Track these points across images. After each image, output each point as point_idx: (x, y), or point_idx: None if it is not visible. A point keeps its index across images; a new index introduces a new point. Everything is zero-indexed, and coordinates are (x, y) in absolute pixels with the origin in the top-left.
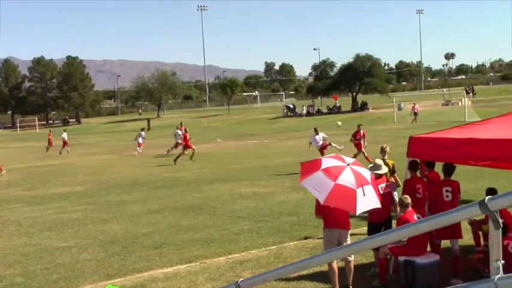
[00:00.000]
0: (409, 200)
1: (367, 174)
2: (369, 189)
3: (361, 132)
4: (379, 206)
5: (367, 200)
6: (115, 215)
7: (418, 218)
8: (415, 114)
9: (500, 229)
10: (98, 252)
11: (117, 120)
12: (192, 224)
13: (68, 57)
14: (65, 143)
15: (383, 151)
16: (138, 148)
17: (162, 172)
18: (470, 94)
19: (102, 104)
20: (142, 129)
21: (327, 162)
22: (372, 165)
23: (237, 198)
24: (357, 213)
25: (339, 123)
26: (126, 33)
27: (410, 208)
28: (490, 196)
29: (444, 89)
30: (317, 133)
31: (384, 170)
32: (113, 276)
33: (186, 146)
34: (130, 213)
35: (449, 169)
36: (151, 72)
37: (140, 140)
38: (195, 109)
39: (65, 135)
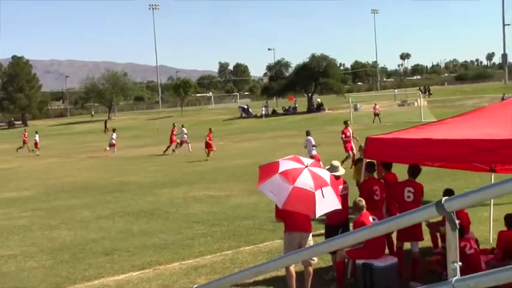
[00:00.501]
0: (363, 202)
1: (326, 175)
2: (328, 190)
3: (350, 129)
4: (340, 207)
5: (327, 202)
6: (63, 220)
7: (374, 220)
8: (376, 114)
9: (457, 230)
10: (46, 259)
11: (66, 122)
12: (144, 229)
13: (14, 57)
14: (36, 145)
15: (362, 149)
16: (110, 148)
17: (113, 176)
18: (426, 94)
19: (50, 106)
20: (114, 130)
21: (285, 164)
22: (328, 166)
23: (191, 202)
24: (317, 216)
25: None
26: (74, 32)
27: (365, 210)
28: (446, 197)
29: (396, 90)
30: (308, 135)
31: (341, 171)
32: (61, 285)
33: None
34: (80, 218)
35: (414, 170)
36: (101, 72)
37: (113, 141)
38: (147, 111)
39: (37, 137)
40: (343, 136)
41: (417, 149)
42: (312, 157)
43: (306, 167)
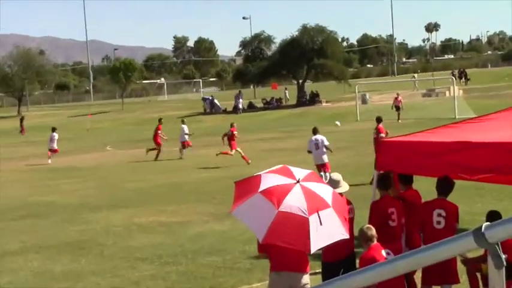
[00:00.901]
0: (373, 231)
1: (326, 192)
2: (329, 214)
3: (380, 126)
4: (347, 236)
5: (326, 231)
6: None
7: (389, 254)
8: (398, 108)
9: (504, 268)
10: None
11: None
12: (69, 269)
13: None
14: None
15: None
16: (51, 154)
17: (28, 194)
18: (462, 80)
19: None
20: (54, 130)
21: (268, 180)
22: (326, 182)
23: (135, 232)
24: (313, 251)
25: (338, 123)
26: None
27: (375, 242)
28: (488, 223)
29: (415, 75)
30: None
31: (345, 187)
32: None
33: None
34: None
35: (446, 186)
36: (7, 50)
37: (55, 145)
38: (73, 104)
39: None
40: (380, 135)
41: (449, 156)
42: (321, 166)
43: (298, 182)
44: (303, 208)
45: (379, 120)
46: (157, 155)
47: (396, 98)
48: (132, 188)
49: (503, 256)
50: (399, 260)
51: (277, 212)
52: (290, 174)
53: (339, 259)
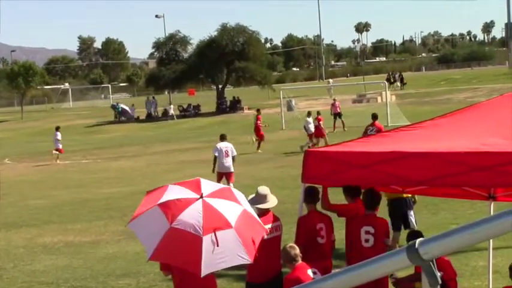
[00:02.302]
0: (297, 250)
1: (232, 211)
2: (229, 235)
3: (377, 123)
4: (248, 261)
5: (224, 253)
6: None
7: (315, 274)
8: (340, 115)
9: (439, 287)
10: None
11: None
12: None
13: None
14: None
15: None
16: (54, 153)
17: None
18: (399, 84)
19: None
20: (58, 128)
21: (172, 192)
22: (253, 195)
23: (39, 253)
24: (203, 274)
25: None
26: None
27: (300, 261)
28: (422, 239)
29: (331, 80)
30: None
31: (273, 202)
32: None
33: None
34: None
35: (372, 199)
36: None
37: (59, 145)
38: None
39: None
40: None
41: (381, 166)
42: (227, 175)
43: (201, 197)
44: (197, 226)
45: (375, 117)
46: (258, 146)
47: (333, 104)
48: (35, 205)
49: (438, 274)
50: (326, 280)
51: (169, 228)
52: (197, 188)
53: (265, 280)
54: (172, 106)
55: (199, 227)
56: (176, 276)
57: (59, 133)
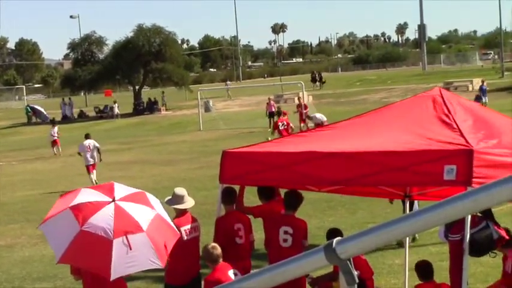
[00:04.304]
0: (218, 250)
1: (144, 215)
2: (141, 239)
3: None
4: (160, 265)
5: (135, 257)
6: None
7: (236, 275)
8: (273, 114)
9: (356, 286)
10: None
11: None
12: None
13: None
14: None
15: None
16: (54, 148)
17: None
18: (318, 83)
19: None
20: (53, 122)
21: (85, 195)
22: (169, 197)
23: None
24: (112, 278)
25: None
26: None
27: (221, 262)
28: (339, 238)
29: (229, 82)
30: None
31: (190, 203)
32: None
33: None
34: None
35: (292, 200)
36: None
37: (56, 135)
38: None
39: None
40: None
41: (295, 167)
42: (91, 166)
43: (113, 200)
44: (108, 229)
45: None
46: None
47: (268, 104)
48: None
49: (355, 272)
50: (245, 280)
51: (79, 231)
52: (110, 192)
53: (183, 282)
54: (117, 105)
55: (110, 230)
56: (86, 280)
57: (56, 128)
